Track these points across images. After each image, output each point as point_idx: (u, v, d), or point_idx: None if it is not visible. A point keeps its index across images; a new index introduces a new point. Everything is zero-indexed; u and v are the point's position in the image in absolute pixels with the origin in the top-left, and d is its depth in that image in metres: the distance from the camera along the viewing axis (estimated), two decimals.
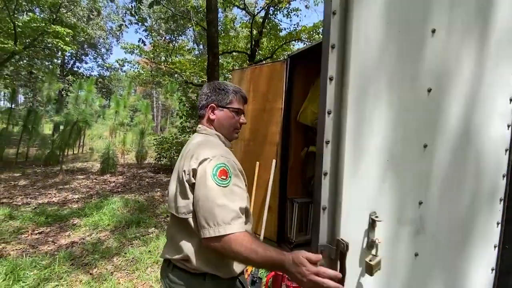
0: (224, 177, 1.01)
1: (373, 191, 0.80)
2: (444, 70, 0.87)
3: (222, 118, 1.22)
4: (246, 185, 1.18)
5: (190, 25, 7.06)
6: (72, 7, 8.52)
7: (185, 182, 1.04)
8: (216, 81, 1.29)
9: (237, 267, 1.13)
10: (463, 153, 0.92)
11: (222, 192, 0.99)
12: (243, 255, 0.93)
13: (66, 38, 7.66)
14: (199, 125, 1.26)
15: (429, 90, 0.85)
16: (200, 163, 1.03)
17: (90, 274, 2.66)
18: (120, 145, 10.63)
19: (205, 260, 1.06)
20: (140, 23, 7.19)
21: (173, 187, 1.13)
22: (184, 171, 1.05)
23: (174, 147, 8.22)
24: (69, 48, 7.66)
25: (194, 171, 1.03)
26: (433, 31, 0.83)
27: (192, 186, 1.03)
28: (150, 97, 26.95)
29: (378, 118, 0.80)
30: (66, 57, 21.50)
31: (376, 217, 0.78)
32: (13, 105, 10.32)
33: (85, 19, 19.45)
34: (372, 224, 0.78)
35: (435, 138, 0.87)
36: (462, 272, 0.97)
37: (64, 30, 7.38)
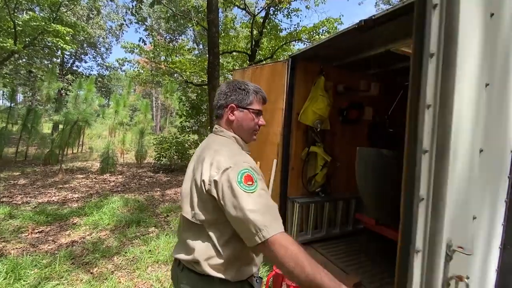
0: (250, 183, 0.97)
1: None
2: None
3: (242, 120, 1.18)
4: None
5: (190, 25, 7.06)
6: (72, 6, 8.49)
7: (205, 192, 1.00)
8: (236, 80, 1.25)
9: (247, 270, 1.10)
10: None
11: (252, 198, 0.93)
12: (289, 264, 0.86)
13: (66, 37, 7.64)
14: (216, 126, 1.22)
15: None
16: (223, 173, 0.98)
17: (91, 273, 2.66)
18: (120, 144, 10.62)
19: (214, 265, 1.04)
20: (140, 23, 7.19)
21: (187, 190, 1.10)
22: (204, 180, 1.01)
23: (174, 147, 8.20)
24: (69, 47, 7.66)
25: (216, 183, 0.98)
26: None
27: (212, 196, 0.99)
28: (149, 97, 26.91)
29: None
30: (65, 56, 21.46)
31: None
32: (12, 104, 10.29)
33: (84, 18, 19.44)
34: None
35: None
36: None
37: (64, 29, 7.38)
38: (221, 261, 1.03)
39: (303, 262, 0.85)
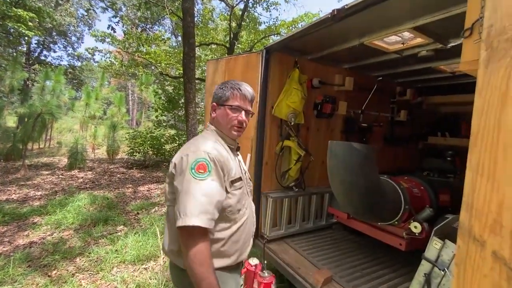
0: (202, 171, 1.06)
1: None
2: None
3: (219, 116, 1.24)
4: (241, 181, 1.23)
5: (164, 14, 6.74)
6: None
7: (169, 172, 1.13)
8: (227, 81, 1.30)
9: (222, 261, 1.16)
10: None
11: (197, 185, 1.03)
12: (191, 257, 1.00)
13: (29, 23, 7.04)
14: (209, 124, 1.31)
15: None
16: (183, 157, 1.09)
17: (49, 276, 2.47)
18: (91, 139, 10.09)
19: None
20: (110, 8, 6.75)
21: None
22: (171, 162, 1.14)
23: (148, 142, 7.90)
24: (32, 33, 7.06)
25: (175, 165, 1.11)
26: None
27: (173, 176, 1.11)
28: (125, 90, 25.84)
29: None
30: (32, 45, 20.04)
31: None
32: None
33: (53, 4, 18.11)
34: None
35: None
36: None
37: (27, 14, 6.78)
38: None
39: (201, 265, 0.99)
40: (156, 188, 5.82)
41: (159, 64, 8.05)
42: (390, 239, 2.06)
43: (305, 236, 2.81)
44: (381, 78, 2.93)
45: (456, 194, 2.69)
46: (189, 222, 0.98)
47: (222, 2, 7.52)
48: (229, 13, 7.47)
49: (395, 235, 2.06)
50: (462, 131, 3.72)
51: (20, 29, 6.89)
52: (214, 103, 1.26)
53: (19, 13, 6.67)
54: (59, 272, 2.51)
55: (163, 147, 8.55)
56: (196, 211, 0.99)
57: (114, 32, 6.70)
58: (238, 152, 1.40)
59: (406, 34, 2.15)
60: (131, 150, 8.05)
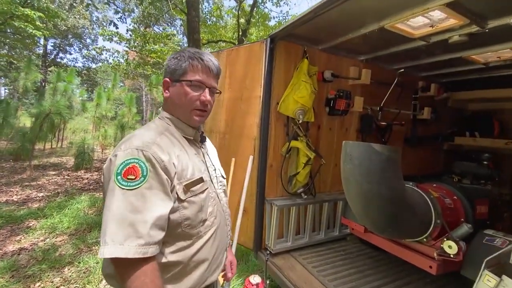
0: (133, 177, 0.77)
1: None
2: None
3: (175, 96, 0.96)
4: (200, 186, 0.93)
5: (167, 9, 6.53)
6: None
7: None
8: (184, 48, 0.98)
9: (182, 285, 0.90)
10: None
11: (123, 197, 0.75)
12: None
13: (37, 22, 7.03)
14: (161, 108, 1.07)
15: None
16: (110, 159, 0.82)
17: None
18: (101, 139, 10.10)
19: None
20: (111, 2, 6.63)
21: None
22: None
23: None
24: (40, 33, 7.06)
25: (103, 170, 0.84)
26: None
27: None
28: (139, 91, 26.18)
29: None
30: (48, 48, 20.59)
31: None
32: None
33: (67, 7, 18.50)
34: None
35: None
36: None
37: (34, 13, 6.77)
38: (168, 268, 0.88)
39: None
40: None
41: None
42: (417, 260, 1.71)
43: (315, 249, 2.49)
44: (403, 70, 2.57)
45: (494, 204, 2.29)
46: (109, 253, 0.71)
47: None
48: (236, 8, 7.21)
49: (424, 255, 1.71)
50: (495, 131, 3.29)
51: (27, 28, 6.90)
52: (167, 79, 0.96)
53: (26, 13, 6.67)
54: (42, 285, 2.30)
55: None
56: (120, 236, 0.72)
57: (117, 28, 6.58)
58: (203, 144, 1.10)
59: (436, 15, 1.80)
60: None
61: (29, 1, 7.53)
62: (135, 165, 0.78)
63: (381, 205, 1.48)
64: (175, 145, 0.91)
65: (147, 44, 7.57)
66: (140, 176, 0.77)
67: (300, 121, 2.25)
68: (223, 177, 1.16)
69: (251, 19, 7.24)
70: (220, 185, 1.11)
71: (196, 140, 1.04)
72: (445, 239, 1.59)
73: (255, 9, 7.32)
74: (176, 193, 0.86)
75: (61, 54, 23.49)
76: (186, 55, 0.95)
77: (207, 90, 0.97)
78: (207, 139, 1.19)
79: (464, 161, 2.40)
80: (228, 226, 1.12)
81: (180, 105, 0.95)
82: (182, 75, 0.94)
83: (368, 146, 1.43)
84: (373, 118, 2.80)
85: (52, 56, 22.94)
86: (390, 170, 1.43)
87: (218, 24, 8.68)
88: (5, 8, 7.05)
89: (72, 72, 10.17)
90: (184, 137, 0.99)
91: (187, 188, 0.89)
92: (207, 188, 0.98)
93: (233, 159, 2.53)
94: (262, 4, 7.46)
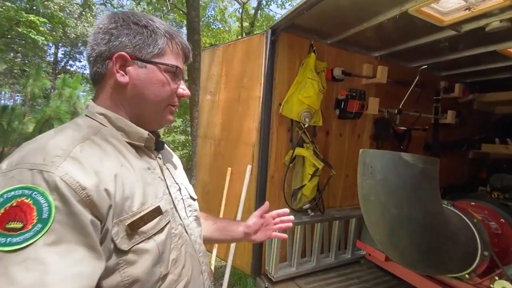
0: (19, 226, 0.43)
1: None
2: None
3: (143, 83, 0.64)
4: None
5: (166, 10, 6.33)
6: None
7: None
8: (129, 12, 0.66)
9: None
10: None
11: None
12: None
13: (41, 28, 6.99)
14: (89, 101, 0.68)
15: None
16: None
17: None
18: None
19: None
20: (108, 3, 6.49)
21: None
22: None
23: None
24: (42, 38, 7.00)
25: None
26: None
27: None
28: None
29: None
30: (59, 56, 20.99)
31: None
32: None
33: (76, 15, 18.79)
34: None
35: None
36: None
37: (38, 19, 6.72)
38: None
39: None
40: None
41: None
42: None
43: (324, 275, 2.12)
44: (425, 66, 2.22)
45: None
46: None
47: (236, 3, 7.06)
48: (239, 11, 7.01)
49: None
50: None
51: (30, 33, 6.85)
52: (124, 53, 0.62)
53: (30, 19, 6.62)
54: None
55: None
56: None
57: None
58: (159, 154, 0.76)
59: None
60: None
61: (34, 7, 7.51)
62: (24, 202, 0.44)
63: (413, 234, 1.12)
64: (110, 158, 0.58)
65: None
66: (35, 222, 0.44)
67: (306, 125, 1.92)
68: (192, 198, 0.82)
69: (255, 22, 7.02)
70: (190, 211, 0.79)
71: (149, 148, 0.71)
72: (496, 278, 1.22)
73: (259, 11, 7.11)
74: (113, 241, 0.53)
75: (71, 62, 23.88)
76: (160, 26, 0.65)
77: (183, 81, 0.72)
78: (166, 146, 0.87)
79: (505, 173, 2.02)
80: (204, 273, 0.77)
81: (152, 97, 0.65)
82: (157, 55, 0.64)
83: (396, 156, 1.09)
84: (390, 122, 2.45)
85: (63, 64, 23.33)
86: (425, 188, 1.08)
87: (221, 28, 8.51)
88: (12, 14, 7.03)
89: (78, 78, 10.12)
90: (130, 143, 0.66)
91: (133, 228, 0.56)
92: (168, 222, 0.65)
93: (229, 168, 2.21)
94: (267, 6, 7.25)
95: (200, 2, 9.72)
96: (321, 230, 2.16)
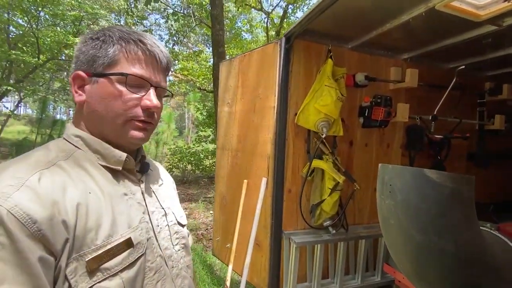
0: None
1: None
2: None
3: (96, 100, 0.60)
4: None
5: (193, 24, 6.57)
6: (91, 22, 8.63)
7: None
8: (111, 26, 0.64)
9: None
10: None
11: None
12: None
13: None
14: (69, 122, 0.66)
15: None
16: None
17: None
18: None
19: None
20: (139, 22, 6.93)
21: None
22: None
23: (185, 158, 7.81)
24: None
25: None
26: None
27: None
28: (182, 108, 27.70)
29: None
30: None
31: None
32: (43, 116, 10.73)
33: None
34: None
35: None
36: None
37: None
38: None
39: None
40: (185, 208, 5.43)
41: (197, 79, 7.99)
42: None
43: None
44: (463, 66, 1.97)
45: None
46: None
47: (259, 11, 7.13)
48: (264, 20, 7.04)
49: None
50: None
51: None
52: (80, 72, 0.60)
53: (76, 41, 7.35)
54: None
55: (202, 162, 8.39)
56: None
57: None
58: (145, 176, 0.71)
59: None
60: (170, 166, 8.03)
61: (79, 31, 8.32)
62: None
63: (443, 266, 0.95)
64: (76, 185, 0.54)
65: (176, 62, 7.77)
66: None
67: (324, 135, 1.79)
68: (181, 224, 0.75)
69: (281, 30, 6.99)
70: (176, 239, 0.72)
71: (130, 171, 0.66)
72: None
73: (285, 20, 7.07)
74: (67, 280, 0.49)
75: None
76: (115, 34, 0.60)
77: (152, 91, 0.62)
78: (158, 166, 0.82)
79: None
80: None
81: (105, 113, 0.59)
82: (108, 66, 0.59)
83: (419, 174, 0.93)
84: (423, 130, 2.20)
85: None
86: (457, 212, 0.91)
87: (247, 39, 8.63)
88: (61, 38, 7.86)
89: None
90: (106, 167, 0.62)
91: (95, 265, 0.51)
92: (142, 255, 0.59)
93: (245, 181, 2.15)
94: (293, 14, 7.19)
95: (229, 15, 10.06)
96: (345, 249, 1.98)
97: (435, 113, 2.10)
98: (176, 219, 0.74)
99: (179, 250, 0.71)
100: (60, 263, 0.48)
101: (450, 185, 0.90)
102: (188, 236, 0.80)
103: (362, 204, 2.19)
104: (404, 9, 1.54)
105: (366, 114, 2.03)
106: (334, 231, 1.90)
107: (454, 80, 2.03)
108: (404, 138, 2.31)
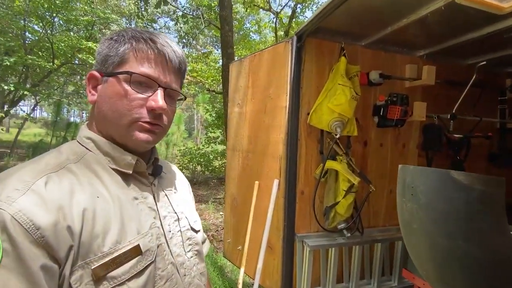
0: None
1: None
2: None
3: (104, 99, 0.58)
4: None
5: (202, 26, 6.60)
6: (103, 26, 8.82)
7: None
8: (127, 28, 0.63)
9: None
10: None
11: None
12: None
13: None
14: (84, 124, 0.66)
15: None
16: None
17: None
18: None
19: None
20: (149, 25, 7.00)
21: None
22: None
23: (195, 159, 7.85)
24: None
25: None
26: None
27: None
28: (191, 110, 27.97)
29: None
30: None
31: None
32: (57, 118, 11.00)
33: None
34: None
35: None
36: None
37: (95, 46, 7.59)
38: None
39: None
40: (196, 209, 5.45)
41: (206, 81, 8.03)
42: None
43: None
44: (484, 62, 1.89)
45: None
46: None
47: (267, 11, 7.10)
48: (273, 20, 7.01)
49: None
50: None
51: (89, 59, 7.75)
52: (94, 72, 0.59)
53: (89, 45, 7.51)
54: None
55: (212, 163, 8.41)
56: None
57: None
58: (158, 179, 0.69)
59: None
60: (180, 167, 8.11)
61: (91, 36, 8.49)
62: None
63: (471, 273, 0.89)
64: (84, 189, 0.52)
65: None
66: None
67: (338, 136, 1.74)
68: (194, 230, 0.72)
69: (290, 30, 6.94)
70: (189, 245, 0.69)
71: (142, 174, 0.64)
72: None
73: (293, 19, 7.01)
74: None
75: None
76: (127, 34, 0.59)
77: (159, 91, 0.58)
78: (173, 168, 0.80)
79: None
80: None
81: (111, 113, 0.57)
82: (118, 65, 0.57)
83: (444, 176, 0.88)
84: (441, 129, 2.12)
85: None
86: (487, 217, 0.85)
87: (256, 39, 8.61)
88: (74, 42, 8.05)
89: None
90: (117, 170, 0.59)
91: (102, 273, 0.49)
92: (152, 263, 0.56)
93: (257, 182, 2.11)
94: (301, 13, 7.13)
95: (237, 16, 10.08)
96: (361, 253, 1.92)
97: (453, 111, 2.01)
98: (190, 224, 0.71)
99: (191, 257, 0.68)
100: (64, 271, 0.46)
101: (479, 188, 0.84)
102: (205, 241, 0.77)
103: (377, 206, 2.13)
104: (422, 3, 1.48)
105: (381, 113, 1.97)
106: (349, 234, 1.85)
107: (474, 76, 1.95)
108: (420, 138, 2.23)
